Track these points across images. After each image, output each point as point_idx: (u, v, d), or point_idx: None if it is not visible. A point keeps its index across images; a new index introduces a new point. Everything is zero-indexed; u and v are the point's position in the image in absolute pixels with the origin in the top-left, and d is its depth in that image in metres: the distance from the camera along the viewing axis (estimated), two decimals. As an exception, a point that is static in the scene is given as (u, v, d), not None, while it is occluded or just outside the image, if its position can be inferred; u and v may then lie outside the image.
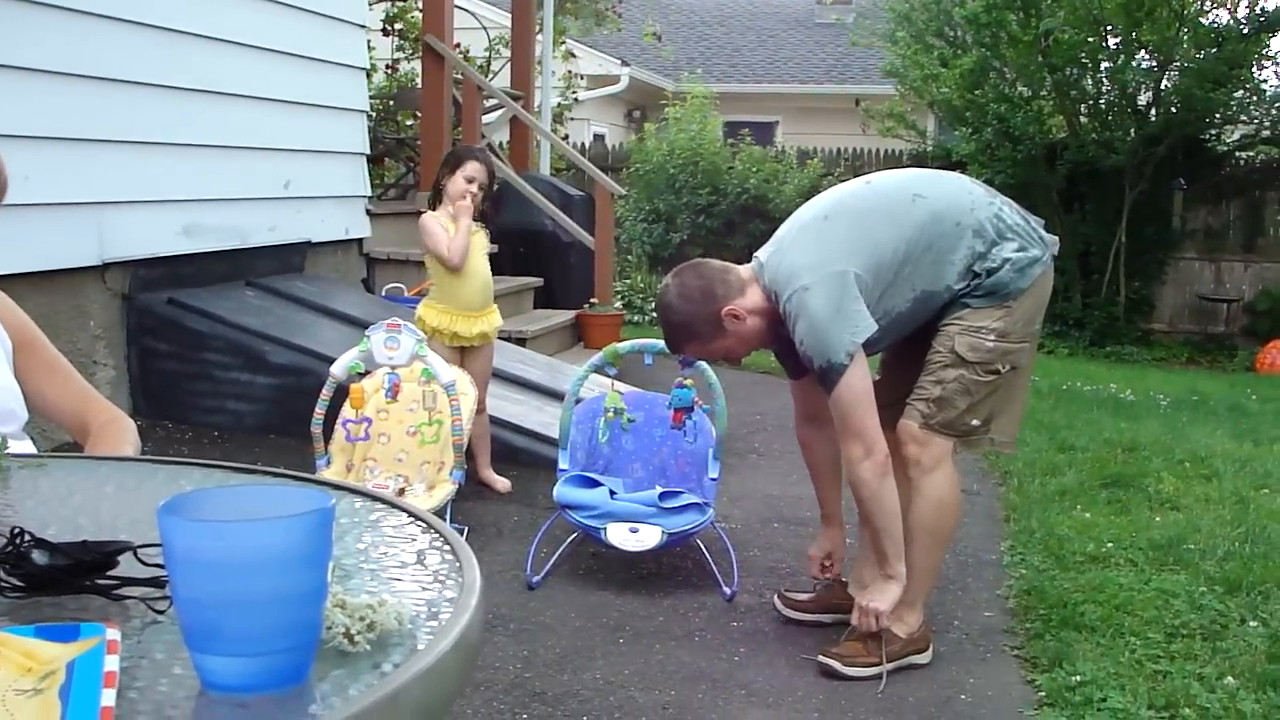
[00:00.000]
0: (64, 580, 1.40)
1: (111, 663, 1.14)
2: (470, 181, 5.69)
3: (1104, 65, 13.91)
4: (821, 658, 4.09)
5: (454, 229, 5.65)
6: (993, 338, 3.96)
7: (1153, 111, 13.87)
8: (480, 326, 5.80)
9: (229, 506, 1.15)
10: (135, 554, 1.42)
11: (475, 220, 5.76)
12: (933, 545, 4.15)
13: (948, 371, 3.98)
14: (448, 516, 4.84)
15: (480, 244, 5.82)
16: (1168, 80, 13.74)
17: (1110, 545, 5.33)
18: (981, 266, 3.92)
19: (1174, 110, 13.61)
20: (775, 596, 4.56)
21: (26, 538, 1.44)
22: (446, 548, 1.54)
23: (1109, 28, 13.51)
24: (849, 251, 3.87)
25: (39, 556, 1.42)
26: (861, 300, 3.82)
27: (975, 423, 4.03)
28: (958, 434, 4.04)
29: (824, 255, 3.88)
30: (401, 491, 4.91)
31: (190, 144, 6.91)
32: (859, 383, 3.82)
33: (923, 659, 4.17)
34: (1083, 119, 14.34)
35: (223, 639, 1.08)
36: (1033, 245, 4.00)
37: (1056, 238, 4.22)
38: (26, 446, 2.46)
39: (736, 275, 4.04)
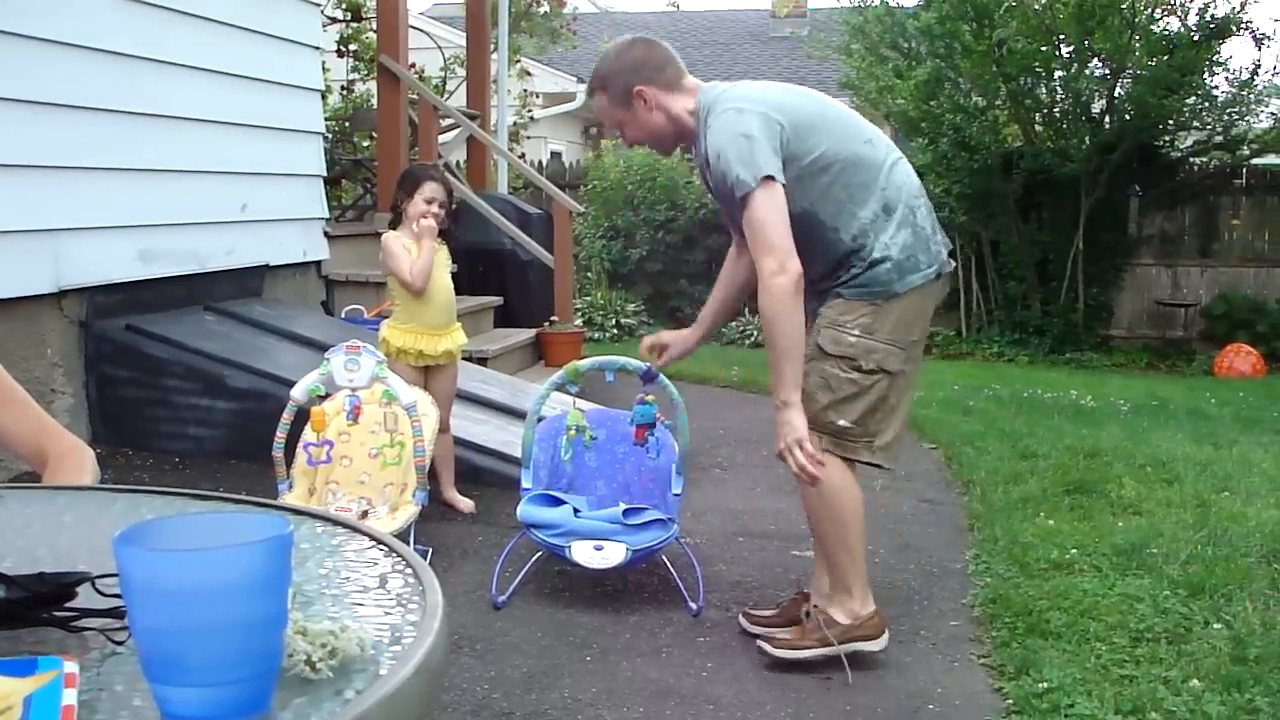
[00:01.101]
0: (20, 613, 1.38)
1: (69, 696, 1.13)
2: (430, 202, 5.69)
3: (1058, 74, 13.98)
4: (759, 643, 4.24)
5: (416, 250, 5.64)
6: (856, 332, 4.00)
7: (1107, 119, 13.95)
8: (445, 344, 5.80)
9: (186, 535, 1.14)
10: (94, 584, 1.41)
11: (437, 238, 5.75)
12: (841, 532, 4.18)
13: (810, 365, 4.03)
14: (411, 538, 4.82)
15: (442, 261, 5.81)
16: (1121, 88, 13.81)
17: (1074, 551, 5.35)
18: (868, 246, 3.96)
19: (1128, 117, 13.69)
20: (740, 615, 4.56)
21: (-18, 571, 1.42)
22: (409, 571, 1.53)
23: (1061, 36, 13.58)
24: (792, 116, 3.95)
25: (-5, 589, 1.40)
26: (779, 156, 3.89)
27: (843, 423, 4.05)
28: (825, 431, 4.06)
29: (771, 102, 3.96)
30: (364, 514, 4.89)
31: (145, 169, 6.88)
32: (773, 201, 3.83)
33: (872, 646, 4.21)
34: (1038, 127, 14.41)
35: (183, 669, 1.06)
36: (921, 254, 4.04)
37: (952, 263, 4.24)
38: None
39: (677, 76, 4.13)
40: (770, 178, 3.80)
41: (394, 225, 5.80)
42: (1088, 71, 13.75)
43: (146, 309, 6.81)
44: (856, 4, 15.33)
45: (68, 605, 1.39)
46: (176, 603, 1.05)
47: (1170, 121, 13.89)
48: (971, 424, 8.51)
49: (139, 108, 6.79)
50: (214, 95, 7.50)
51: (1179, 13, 13.56)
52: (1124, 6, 13.16)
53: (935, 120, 13.86)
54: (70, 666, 1.18)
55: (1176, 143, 14.52)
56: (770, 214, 3.82)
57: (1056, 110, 14.32)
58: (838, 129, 4.01)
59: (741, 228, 3.97)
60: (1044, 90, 14.27)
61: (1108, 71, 13.81)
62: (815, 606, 4.23)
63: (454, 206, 5.94)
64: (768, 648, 4.21)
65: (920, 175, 11.50)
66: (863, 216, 3.96)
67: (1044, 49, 13.56)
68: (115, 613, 1.35)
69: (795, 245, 3.86)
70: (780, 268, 3.79)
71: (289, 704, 1.14)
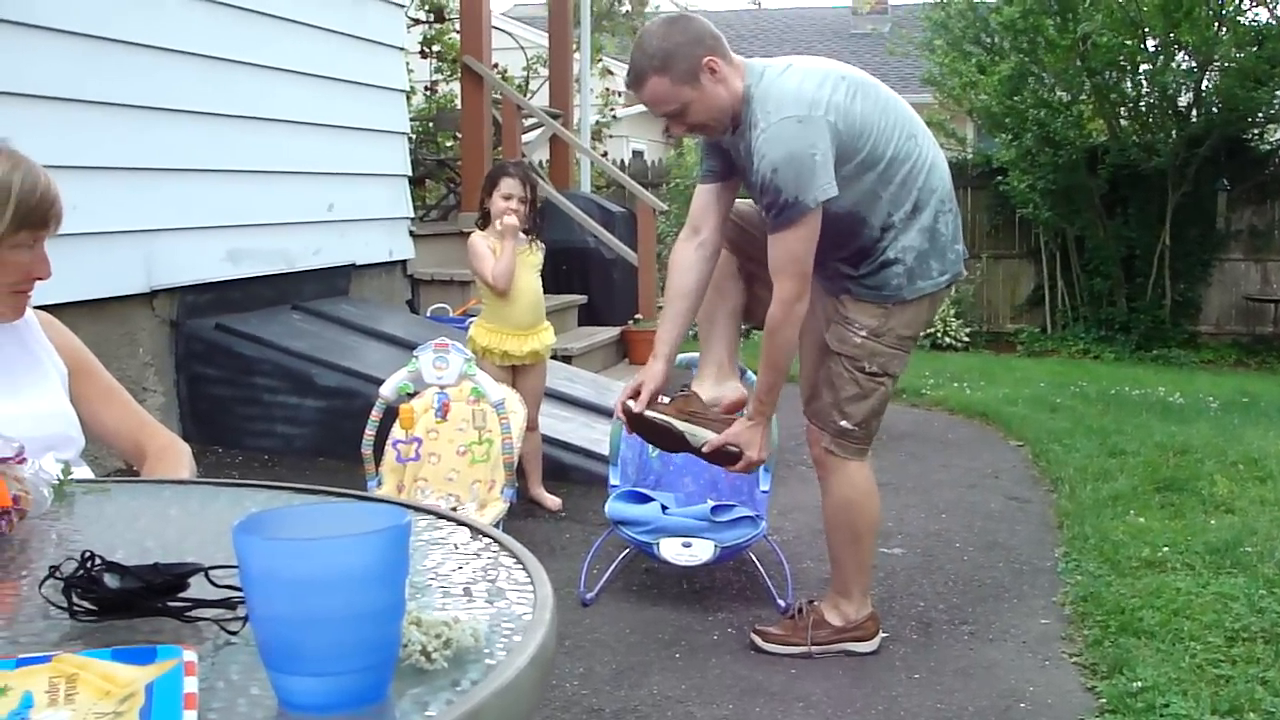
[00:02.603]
0: (136, 603, 1.40)
1: (190, 684, 1.14)
2: (508, 198, 5.66)
3: (1143, 67, 13.80)
4: (751, 634, 4.31)
5: (500, 250, 5.66)
6: (863, 333, 3.98)
7: (1194, 112, 13.75)
8: (531, 345, 5.79)
9: (304, 525, 1.15)
10: (206, 575, 1.42)
11: (524, 234, 5.76)
12: (853, 539, 4.21)
13: (819, 359, 4.09)
14: (500, 535, 4.84)
15: (531, 262, 5.81)
16: (1208, 80, 13.61)
17: (1166, 549, 5.28)
18: (886, 242, 3.92)
19: (1215, 110, 13.50)
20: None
21: (97, 561, 1.44)
22: (516, 564, 1.54)
23: (1147, 29, 13.40)
24: (846, 118, 3.78)
25: (110, 580, 1.42)
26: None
27: (846, 425, 4.05)
28: (829, 430, 4.07)
29: (826, 103, 3.75)
30: (453, 511, 4.91)
31: (234, 170, 6.96)
32: (814, 231, 3.73)
33: (863, 647, 4.26)
34: (1123, 122, 14.24)
35: (302, 659, 1.07)
36: (936, 261, 3.99)
37: (963, 271, 4.20)
38: (85, 473, 2.47)
39: (728, 49, 3.87)
40: (819, 203, 3.72)
41: (482, 225, 5.80)
42: (1174, 64, 13.55)
43: (236, 308, 6.88)
44: (938, 0, 15.22)
45: (182, 595, 1.41)
46: (296, 592, 1.06)
47: (1259, 114, 13.67)
48: (1059, 421, 8.42)
49: (228, 110, 6.87)
50: (301, 97, 7.58)
51: (1268, 3, 13.34)
52: (1211, -2, 13.00)
53: (1019, 116, 13.73)
54: (189, 655, 1.19)
55: (1266, 135, 14.30)
56: (809, 244, 3.75)
57: (1142, 104, 14.14)
58: (887, 125, 3.90)
59: (731, 170, 3.97)
60: (1129, 84, 14.09)
61: (1194, 64, 13.61)
62: (810, 604, 4.29)
63: (537, 202, 5.89)
64: (758, 640, 4.29)
65: (1003, 171, 11.40)
66: (893, 213, 3.92)
67: (1129, 42, 13.40)
68: (228, 603, 1.36)
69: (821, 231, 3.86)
70: (799, 296, 3.77)
71: (405, 694, 1.15)
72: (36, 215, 2.32)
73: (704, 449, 3.99)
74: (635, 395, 4.08)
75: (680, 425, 4.00)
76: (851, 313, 4.01)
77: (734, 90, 3.82)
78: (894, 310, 3.98)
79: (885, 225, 3.92)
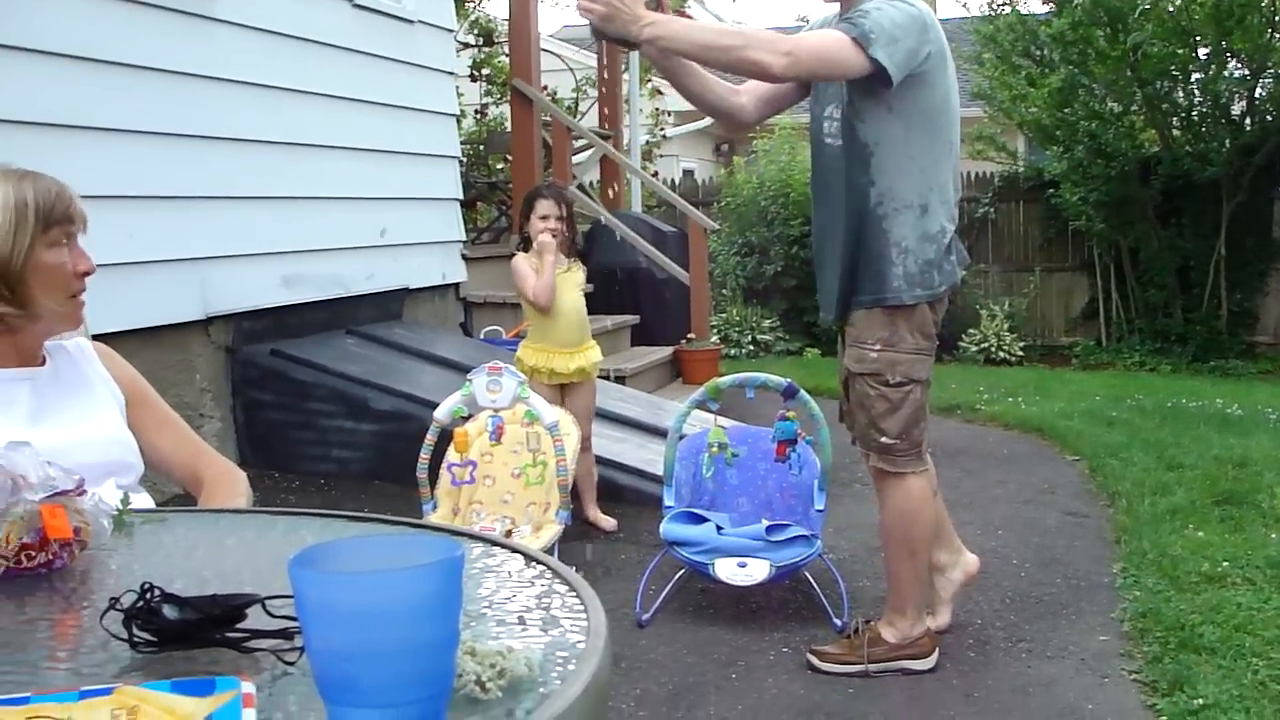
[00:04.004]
0: (195, 634, 1.41)
1: (249, 716, 1.15)
2: (545, 219, 5.78)
3: (1195, 76, 13.70)
4: (808, 653, 4.30)
5: (542, 268, 5.70)
6: (877, 347, 3.99)
7: (1247, 121, 13.64)
8: (577, 362, 5.86)
9: (359, 557, 1.16)
10: (263, 606, 1.44)
11: (565, 255, 5.83)
12: (906, 553, 4.20)
13: (846, 387, 4.13)
14: (555, 557, 4.84)
15: (573, 280, 5.87)
16: (1262, 88, 13.50)
17: (1226, 564, 5.23)
18: (886, 223, 3.92)
19: (1269, 118, 13.38)
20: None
21: (156, 592, 1.46)
22: (569, 591, 1.54)
23: (1198, 38, 13.31)
24: (940, 48, 3.88)
25: (169, 611, 1.44)
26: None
27: (886, 440, 4.04)
28: (872, 449, 4.09)
29: (939, 37, 3.88)
30: (508, 533, 4.93)
31: (288, 196, 7.03)
32: (849, 60, 3.67)
33: (920, 665, 4.23)
34: (1175, 132, 14.13)
35: (359, 690, 1.08)
36: (936, 273, 3.99)
37: (959, 279, 4.15)
38: (144, 500, 2.50)
39: None
40: (877, 68, 3.67)
41: (524, 247, 5.87)
42: (1226, 73, 13.44)
43: (290, 333, 6.94)
44: (987, 13, 15.16)
45: (239, 626, 1.42)
46: (352, 625, 1.07)
47: (1315, 121, 13.56)
48: (1115, 435, 8.36)
49: (283, 137, 6.94)
50: (354, 123, 7.65)
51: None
52: (1264, 4, 12.87)
53: (1070, 128, 13.66)
54: (247, 686, 1.21)
55: (1322, 143, 14.17)
56: (831, 56, 3.69)
57: (1194, 113, 14.03)
58: (950, 104, 3.98)
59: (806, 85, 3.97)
60: (1181, 93, 13.99)
61: (1247, 72, 13.50)
62: (866, 623, 4.28)
63: (574, 221, 6.01)
64: (815, 660, 4.27)
65: (1055, 184, 11.36)
66: (902, 189, 3.91)
67: (1180, 51, 13.31)
68: (285, 634, 1.38)
69: (819, 184, 3.98)
70: (778, 59, 3.64)
71: (461, 723, 1.15)
72: (59, 210, 2.37)
73: None
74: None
75: None
76: (861, 331, 4.03)
77: None
78: (899, 316, 3.97)
79: (888, 194, 3.91)
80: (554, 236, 5.74)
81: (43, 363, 2.49)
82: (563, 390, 5.81)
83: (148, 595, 1.45)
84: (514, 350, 6.19)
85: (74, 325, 2.51)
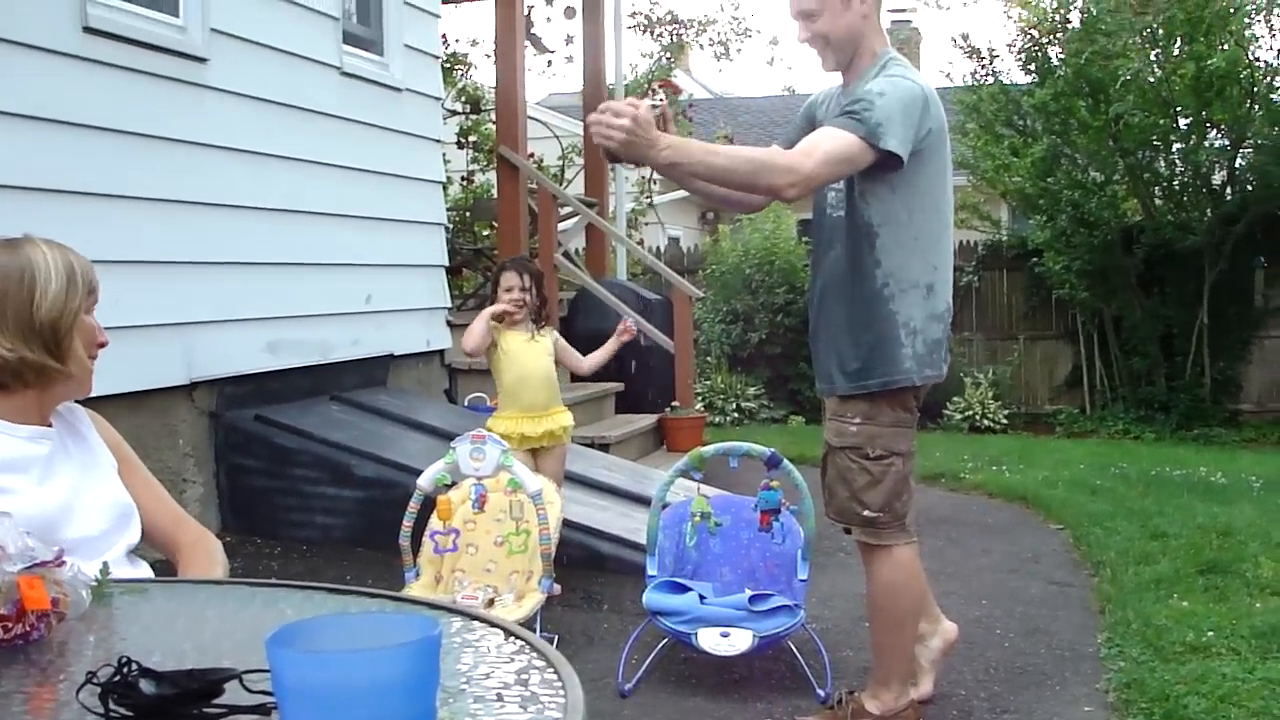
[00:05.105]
0: (171, 709, 1.41)
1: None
2: (509, 290, 5.94)
3: (1176, 146, 13.85)
4: None
5: (500, 333, 5.92)
6: (857, 421, 3.98)
7: (1228, 190, 13.78)
8: (546, 425, 5.94)
9: (336, 635, 1.16)
10: (240, 681, 1.43)
11: (535, 322, 6.00)
12: (892, 625, 4.17)
13: (826, 461, 4.10)
14: (538, 625, 4.83)
15: (542, 347, 6.01)
16: (1241, 158, 13.65)
17: (1211, 634, 5.22)
18: (892, 305, 3.91)
19: (1250, 188, 13.52)
20: None
21: (133, 666, 1.46)
22: (548, 668, 1.54)
23: (1179, 109, 13.46)
24: (940, 126, 3.91)
25: (146, 685, 1.43)
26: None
27: (868, 513, 4.01)
28: (855, 524, 4.06)
29: (937, 104, 3.91)
30: (491, 602, 4.91)
31: (274, 262, 7.04)
32: (853, 161, 3.70)
33: None
34: (1158, 201, 14.26)
35: (335, 768, 1.08)
36: (940, 360, 4.02)
37: (940, 373, 4.11)
38: (142, 569, 2.53)
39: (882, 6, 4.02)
40: (889, 156, 3.70)
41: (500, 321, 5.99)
42: (1207, 143, 13.59)
43: (274, 399, 6.93)
44: (970, 83, 15.30)
45: (216, 701, 1.42)
46: (328, 704, 1.07)
47: (1295, 190, 13.69)
48: (1099, 504, 8.36)
49: (267, 203, 6.96)
50: (339, 189, 7.67)
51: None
52: (1242, 76, 13.02)
53: (1053, 197, 13.78)
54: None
55: (1302, 212, 14.28)
56: (842, 159, 3.70)
57: (1176, 183, 14.17)
58: (947, 186, 4.02)
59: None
60: (1163, 163, 14.13)
61: (1228, 142, 13.65)
62: (850, 694, 4.24)
63: (539, 289, 6.11)
64: None
65: (1039, 252, 11.46)
66: (908, 269, 3.91)
67: (1162, 122, 13.46)
68: (262, 709, 1.37)
69: (820, 253, 4.00)
70: (794, 182, 3.65)
71: (437, 802, 1.15)
72: (94, 280, 2.54)
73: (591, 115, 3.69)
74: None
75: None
76: (842, 404, 4.03)
77: (870, 38, 3.95)
78: (879, 395, 3.97)
79: (895, 275, 3.91)
80: (520, 306, 5.92)
81: (50, 426, 2.54)
82: (534, 455, 5.86)
83: (125, 669, 1.45)
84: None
85: (87, 391, 2.60)
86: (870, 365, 3.95)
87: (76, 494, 2.46)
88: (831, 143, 3.70)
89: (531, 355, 5.94)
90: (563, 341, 6.21)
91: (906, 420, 4.03)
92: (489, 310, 5.94)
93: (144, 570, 2.54)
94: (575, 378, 9.76)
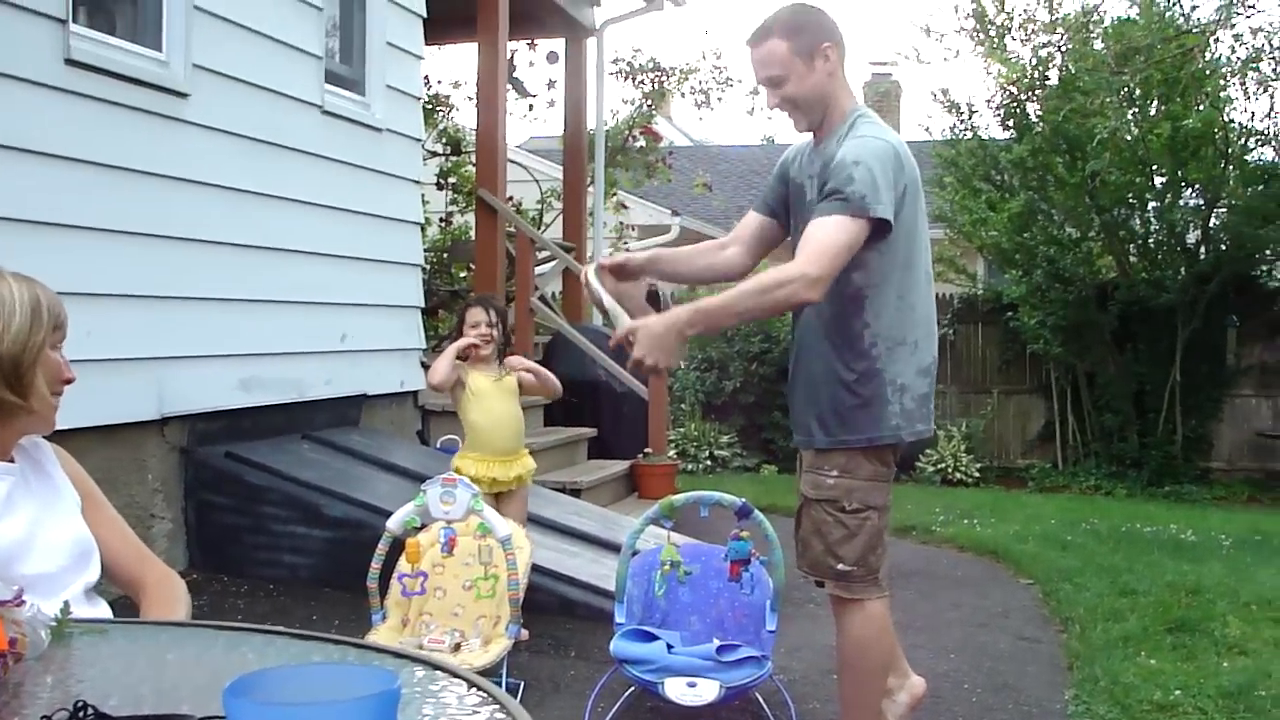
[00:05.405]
0: (126, 756, 1.39)
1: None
2: (475, 326, 5.98)
3: (1152, 205, 13.97)
4: None
5: (465, 370, 5.94)
6: (834, 474, 3.96)
7: (1202, 249, 13.89)
8: (515, 469, 5.97)
9: (294, 686, 1.15)
10: (197, 728, 1.42)
11: (499, 358, 6.03)
12: (860, 680, 4.15)
13: (801, 514, 4.06)
14: (504, 672, 4.80)
15: (508, 387, 6.01)
16: (1216, 218, 13.78)
17: (1178, 693, 5.23)
18: (879, 363, 3.91)
19: (1224, 247, 13.64)
20: None
21: (89, 710, 1.44)
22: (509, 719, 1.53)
23: (1155, 168, 13.58)
24: (915, 187, 3.93)
25: (102, 731, 1.42)
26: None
27: (843, 567, 3.99)
28: (828, 577, 4.03)
29: (915, 173, 3.95)
30: (457, 646, 4.88)
31: (248, 299, 7.02)
32: (855, 239, 3.71)
33: None
34: (1132, 259, 14.36)
35: (288, 822, 1.07)
36: (927, 416, 4.03)
37: (929, 427, 4.12)
38: (101, 607, 2.51)
39: (846, 59, 4.01)
40: (881, 221, 3.73)
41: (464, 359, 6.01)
42: (1182, 202, 13.71)
43: (246, 436, 6.90)
44: (949, 137, 15.39)
45: (172, 749, 1.40)
46: (284, 755, 1.05)
47: (1268, 251, 13.80)
48: (1069, 559, 8.37)
49: (243, 240, 6.94)
50: (317, 228, 7.66)
51: (1274, 143, 13.50)
52: (1218, 137, 13.13)
53: (1029, 252, 13.86)
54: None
55: (1275, 272, 14.38)
56: (850, 244, 3.72)
57: (1151, 241, 14.28)
58: (924, 239, 4.03)
59: (786, 223, 4.08)
60: (1138, 221, 14.24)
61: (1202, 202, 13.78)
62: None
63: (504, 325, 6.12)
64: None
65: (1014, 307, 11.54)
66: (895, 328, 3.92)
67: (1138, 180, 13.57)
68: (219, 758, 1.36)
69: (832, 327, 3.93)
70: (811, 286, 3.69)
71: None
72: (61, 315, 2.52)
73: (611, 338, 3.84)
74: (615, 268, 4.07)
75: (608, 303, 3.87)
76: (820, 460, 4.01)
77: (838, 96, 3.98)
78: (858, 453, 3.95)
79: (883, 339, 3.91)
80: (486, 341, 5.94)
81: (12, 460, 2.52)
82: (497, 499, 5.83)
83: (80, 714, 1.43)
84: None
85: (50, 427, 2.57)
86: (854, 422, 3.93)
87: (36, 529, 2.44)
88: (824, 234, 3.72)
89: (498, 398, 5.96)
90: (528, 377, 6.09)
91: (884, 474, 4.01)
92: (455, 345, 5.96)
93: (103, 609, 2.51)
94: (549, 420, 9.83)
